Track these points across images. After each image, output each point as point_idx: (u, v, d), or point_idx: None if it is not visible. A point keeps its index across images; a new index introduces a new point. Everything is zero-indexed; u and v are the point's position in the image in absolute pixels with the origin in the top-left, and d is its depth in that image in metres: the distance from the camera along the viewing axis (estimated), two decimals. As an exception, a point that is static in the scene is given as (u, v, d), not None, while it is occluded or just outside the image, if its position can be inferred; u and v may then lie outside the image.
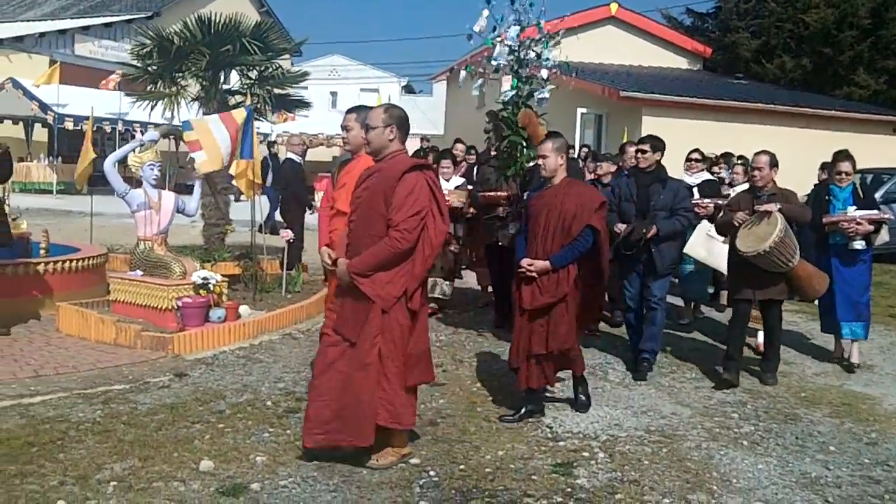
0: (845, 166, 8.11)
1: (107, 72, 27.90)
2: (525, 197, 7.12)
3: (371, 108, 5.59)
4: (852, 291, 8.10)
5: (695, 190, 9.58)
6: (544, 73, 8.80)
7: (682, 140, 12.69)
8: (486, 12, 8.75)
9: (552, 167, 6.32)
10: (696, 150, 10.44)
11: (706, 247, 9.08)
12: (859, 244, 7.97)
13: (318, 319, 9.20)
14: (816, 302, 8.44)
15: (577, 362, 6.44)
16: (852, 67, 25.29)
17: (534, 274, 6.18)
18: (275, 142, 19.74)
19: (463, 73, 9.18)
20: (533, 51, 8.76)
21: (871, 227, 7.93)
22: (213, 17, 12.04)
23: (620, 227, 7.55)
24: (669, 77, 23.24)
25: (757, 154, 7.55)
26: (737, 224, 7.38)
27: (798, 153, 12.62)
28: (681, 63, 26.43)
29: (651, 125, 17.86)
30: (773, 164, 7.45)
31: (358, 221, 5.24)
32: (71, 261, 9.53)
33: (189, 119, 9.63)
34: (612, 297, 9.01)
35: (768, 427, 6.32)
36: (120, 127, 26.69)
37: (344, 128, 6.06)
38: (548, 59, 8.75)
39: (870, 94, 24.60)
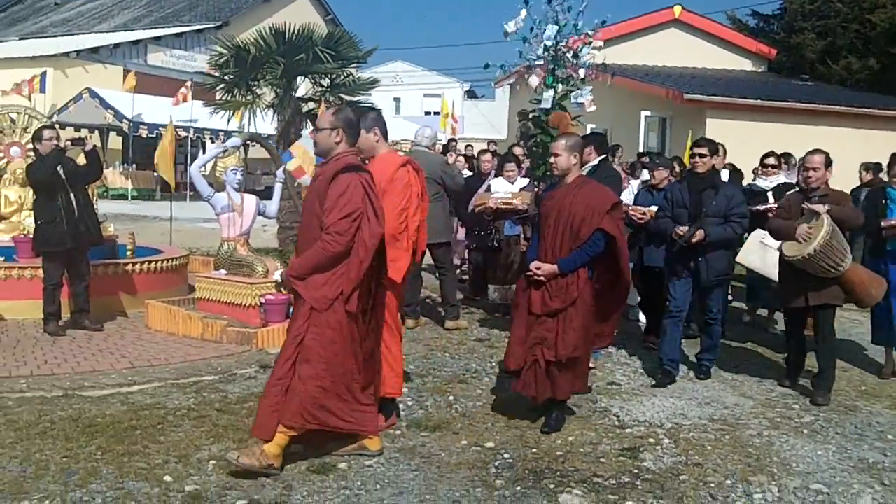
0: None
1: (178, 81, 28.77)
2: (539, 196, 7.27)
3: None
4: None
5: (769, 194, 9.34)
6: (581, 73, 8.78)
7: (747, 142, 12.89)
8: (523, 12, 8.79)
9: (564, 166, 6.10)
10: (771, 154, 10.03)
11: (760, 255, 8.66)
12: None
13: (391, 316, 9.59)
14: (869, 311, 8.11)
15: (579, 379, 6.11)
16: (920, 68, 25.03)
17: (542, 278, 5.99)
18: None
19: (499, 71, 9.37)
20: (571, 49, 8.75)
21: None
22: (286, 27, 12.53)
23: (682, 230, 7.25)
24: (734, 79, 23.23)
25: (811, 153, 7.18)
26: (798, 238, 6.89)
27: (863, 155, 12.65)
28: (745, 65, 26.37)
29: (715, 128, 17.98)
30: (828, 163, 7.17)
31: (302, 225, 5.37)
32: (156, 262, 10.10)
33: (289, 150, 10.10)
34: None
35: (828, 417, 6.54)
36: (191, 135, 27.48)
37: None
38: (585, 59, 8.74)
39: (939, 95, 24.31)
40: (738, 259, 8.64)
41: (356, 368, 5.15)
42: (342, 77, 13.40)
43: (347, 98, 13.37)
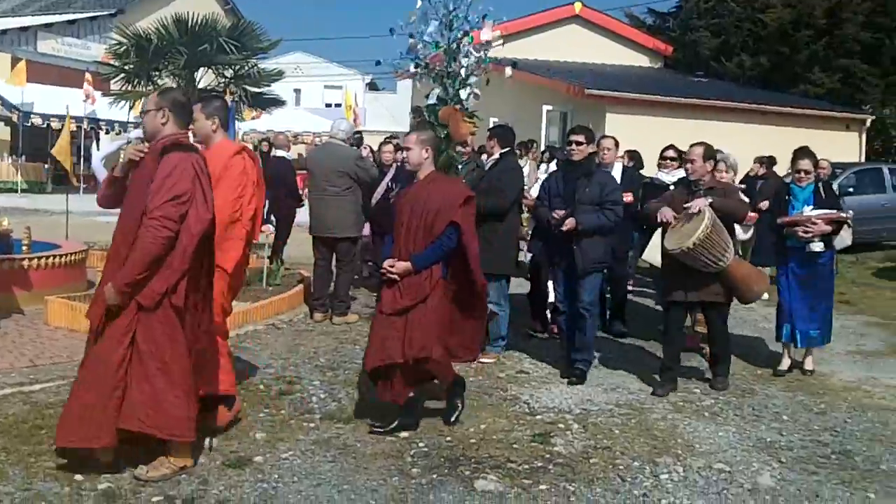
0: (804, 164, 7.62)
1: (71, 70, 27.91)
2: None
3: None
4: (811, 297, 7.62)
5: (671, 188, 8.92)
6: (463, 72, 8.49)
7: (646, 137, 13.22)
8: (419, 2, 8.50)
9: (415, 161, 5.87)
10: (671, 147, 9.67)
11: None
12: (817, 246, 7.45)
13: (299, 310, 9.60)
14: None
15: (442, 372, 5.90)
16: (808, 66, 25.97)
17: (395, 276, 5.72)
18: (267, 139, 20.09)
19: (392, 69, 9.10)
20: (458, 44, 8.42)
21: (828, 228, 7.41)
22: (190, 17, 12.36)
23: (559, 213, 7.13)
24: (632, 75, 23.79)
25: (692, 145, 7.09)
26: (661, 219, 6.96)
27: (757, 149, 13.12)
28: (643, 61, 27.01)
29: (614, 122, 18.42)
30: (709, 156, 7.00)
31: (120, 226, 4.86)
32: (54, 257, 9.79)
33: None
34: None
35: (727, 400, 6.83)
36: (85, 125, 26.74)
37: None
38: (469, 52, 8.41)
39: (825, 92, 25.29)
40: (644, 257, 8.66)
41: (189, 370, 4.78)
42: (246, 68, 13.28)
43: (251, 89, 13.26)
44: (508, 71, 9.15)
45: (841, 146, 19.73)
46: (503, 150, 8.01)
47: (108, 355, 4.65)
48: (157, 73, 12.89)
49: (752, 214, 8.73)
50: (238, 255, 5.63)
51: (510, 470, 5.19)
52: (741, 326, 9.60)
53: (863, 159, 20.92)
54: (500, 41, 8.90)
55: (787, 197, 7.73)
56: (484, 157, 8.72)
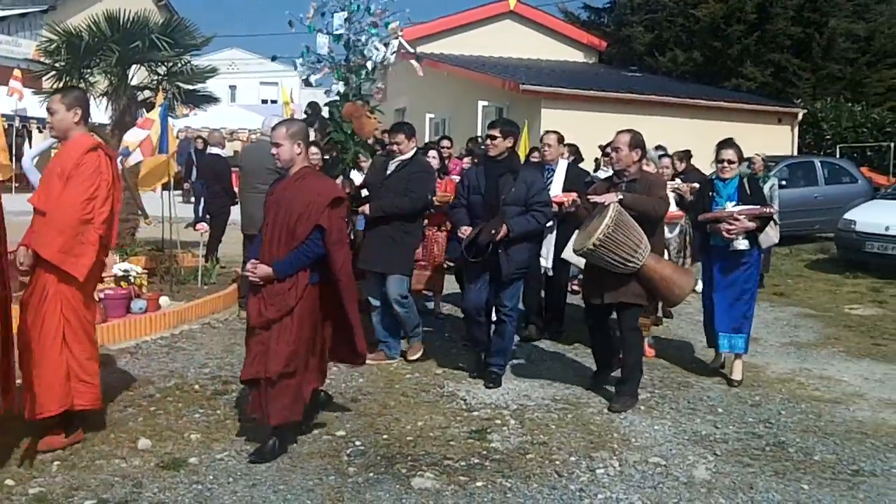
0: (728, 153, 7.23)
1: (1, 67, 27.25)
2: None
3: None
4: (733, 299, 7.23)
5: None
6: (369, 65, 8.16)
7: (582, 132, 13.27)
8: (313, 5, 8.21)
9: (286, 157, 5.37)
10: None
11: None
12: (741, 244, 7.06)
13: (234, 309, 9.47)
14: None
15: (297, 403, 5.32)
16: (740, 60, 26.34)
17: (258, 280, 5.28)
18: (201, 136, 19.86)
19: (299, 67, 8.64)
20: (362, 40, 8.06)
21: (752, 225, 7.01)
22: (121, 14, 12.12)
23: (464, 232, 6.75)
24: (568, 70, 23.91)
25: (618, 133, 6.61)
26: (565, 207, 6.78)
27: (691, 143, 13.24)
28: (578, 56, 27.19)
29: (550, 117, 18.48)
30: (636, 145, 6.46)
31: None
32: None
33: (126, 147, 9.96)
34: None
35: (663, 394, 6.89)
36: (17, 124, 26.10)
37: (49, 111, 5.52)
38: (379, 49, 8.05)
39: (757, 86, 25.69)
40: (563, 256, 7.88)
41: None
42: (179, 65, 13.05)
43: (185, 86, 13.05)
44: (417, 67, 8.87)
45: (773, 140, 20.06)
46: (414, 150, 7.59)
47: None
48: (88, 70, 12.60)
49: (677, 213, 8.28)
50: (91, 261, 5.24)
51: (447, 467, 5.18)
52: (676, 319, 9.73)
53: (795, 153, 21.29)
54: (399, 33, 8.61)
55: (710, 193, 7.34)
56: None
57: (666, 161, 9.31)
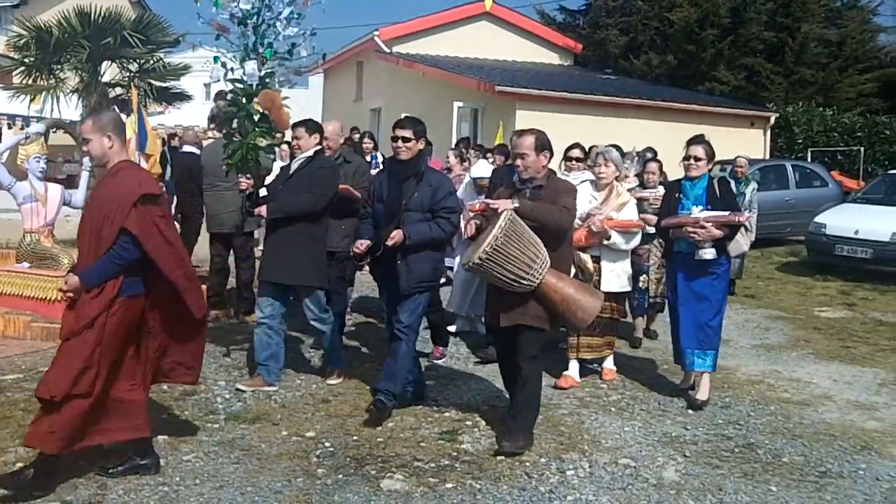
0: (696, 150, 6.65)
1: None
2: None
3: None
4: (699, 312, 6.61)
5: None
6: (284, 47, 7.26)
7: (556, 134, 13.27)
8: None
9: (98, 152, 4.78)
10: (577, 146, 8.10)
11: None
12: (708, 253, 6.43)
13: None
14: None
15: (55, 432, 4.50)
16: (714, 64, 26.53)
17: (70, 295, 4.66)
18: (175, 134, 19.72)
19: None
20: (279, 21, 7.18)
21: (719, 233, 6.38)
22: (92, 10, 12.04)
23: (359, 247, 6.12)
24: (543, 72, 23.94)
25: (520, 135, 5.82)
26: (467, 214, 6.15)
27: (665, 146, 13.30)
28: (553, 58, 27.23)
29: (525, 119, 18.49)
30: (542, 147, 5.70)
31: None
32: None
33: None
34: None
35: (634, 395, 6.90)
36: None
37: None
38: (288, 32, 7.16)
39: (730, 90, 25.88)
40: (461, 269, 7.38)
41: None
42: (151, 62, 12.99)
43: (157, 84, 12.98)
44: (320, 62, 7.77)
45: (746, 143, 20.13)
46: (316, 147, 6.87)
47: None
48: (58, 66, 12.54)
49: (634, 221, 7.21)
50: None
51: (417, 469, 5.15)
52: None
53: (767, 156, 21.44)
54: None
55: (676, 194, 6.76)
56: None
57: (653, 166, 8.72)
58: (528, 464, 5.31)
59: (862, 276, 13.03)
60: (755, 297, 11.80)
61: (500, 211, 5.37)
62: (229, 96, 7.24)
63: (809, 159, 21.35)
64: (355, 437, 5.66)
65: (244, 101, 7.01)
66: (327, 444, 5.52)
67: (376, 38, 24.76)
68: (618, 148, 8.84)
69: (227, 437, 5.59)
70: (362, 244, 6.09)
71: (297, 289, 6.73)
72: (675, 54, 27.04)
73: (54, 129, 12.68)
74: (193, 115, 29.74)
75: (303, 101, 41.61)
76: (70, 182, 9.48)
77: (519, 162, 5.70)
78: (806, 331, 9.71)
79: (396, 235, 5.87)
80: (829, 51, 26.88)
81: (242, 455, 5.30)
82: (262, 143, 7.01)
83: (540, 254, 5.37)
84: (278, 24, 7.16)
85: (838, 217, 14.09)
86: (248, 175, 6.91)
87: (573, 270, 6.18)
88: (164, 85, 13.17)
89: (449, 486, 4.95)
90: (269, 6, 7.07)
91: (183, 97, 14.18)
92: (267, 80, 7.08)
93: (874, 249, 13.00)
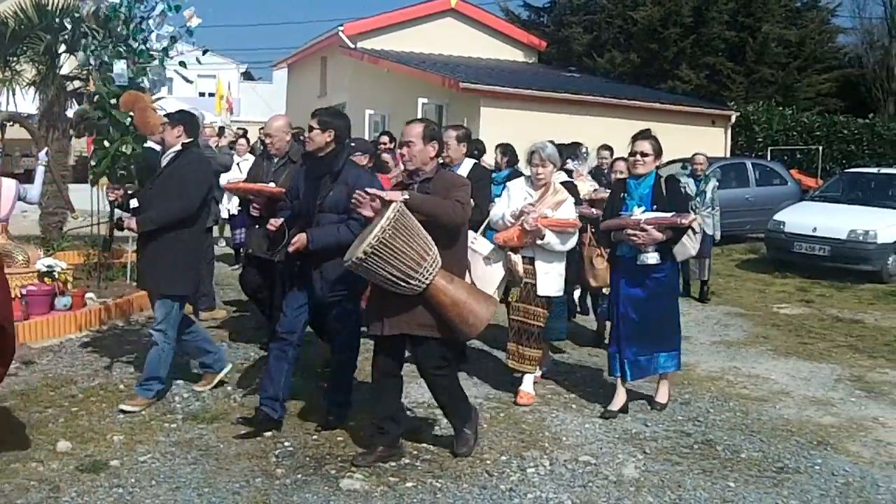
0: (642, 146, 6.19)
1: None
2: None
3: None
4: (643, 322, 6.21)
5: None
6: (158, 45, 7.04)
7: (521, 131, 13.29)
8: None
9: None
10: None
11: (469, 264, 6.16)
12: (651, 257, 6.00)
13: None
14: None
15: None
16: (676, 62, 26.72)
17: None
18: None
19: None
20: (151, 18, 6.95)
21: (661, 236, 5.94)
22: (50, 1, 11.86)
23: (276, 223, 5.70)
24: (507, 69, 23.98)
25: (408, 124, 5.37)
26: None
27: (626, 144, 13.39)
28: (518, 56, 27.29)
29: (489, 116, 18.55)
30: (431, 137, 5.22)
31: None
32: None
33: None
34: None
35: (595, 392, 6.91)
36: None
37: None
38: (162, 29, 6.97)
39: (692, 88, 26.08)
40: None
41: None
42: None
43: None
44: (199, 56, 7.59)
45: (708, 141, 20.30)
46: (187, 141, 6.26)
47: None
48: (14, 58, 12.30)
49: (571, 220, 6.49)
50: None
51: (377, 468, 5.12)
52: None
53: (728, 154, 21.65)
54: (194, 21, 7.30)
55: (621, 194, 6.34)
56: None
57: (621, 165, 8.37)
58: (488, 462, 5.30)
59: (820, 273, 13.17)
60: (715, 293, 11.87)
61: (388, 202, 4.89)
62: (96, 98, 6.80)
63: (769, 158, 21.55)
64: (315, 437, 5.62)
65: (112, 103, 6.60)
66: (287, 444, 5.47)
67: (341, 34, 24.66)
68: (577, 145, 9.01)
69: (185, 437, 5.53)
70: (276, 221, 5.68)
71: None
72: (638, 53, 27.19)
73: (10, 123, 12.45)
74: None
75: (266, 96, 41.70)
76: (28, 177, 9.31)
77: (405, 151, 5.23)
78: (764, 327, 9.79)
79: (298, 240, 5.45)
80: (789, 51, 27.18)
81: (200, 455, 5.24)
82: (129, 150, 6.64)
83: (430, 252, 4.91)
84: (151, 20, 6.88)
85: (797, 215, 14.24)
86: (118, 185, 6.47)
87: (468, 275, 5.62)
88: (123, 79, 12.98)
89: (409, 485, 4.92)
90: (141, 1, 6.76)
91: (143, 90, 14.01)
92: (138, 80, 6.74)
93: (832, 247, 13.14)
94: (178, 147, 6.21)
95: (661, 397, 6.55)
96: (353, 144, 6.94)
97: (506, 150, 9.04)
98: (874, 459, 5.63)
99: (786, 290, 12.50)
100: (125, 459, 5.12)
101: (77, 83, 12.39)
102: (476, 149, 8.83)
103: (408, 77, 21.13)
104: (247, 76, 47.79)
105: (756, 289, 12.57)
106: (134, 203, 6.22)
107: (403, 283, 4.85)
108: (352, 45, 24.48)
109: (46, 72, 12.10)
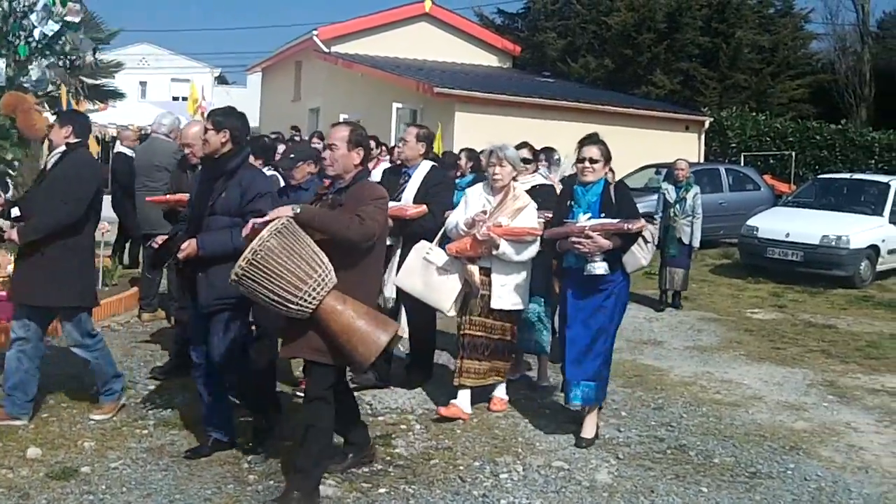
0: (590, 151, 5.77)
1: None
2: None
3: None
4: (586, 336, 5.73)
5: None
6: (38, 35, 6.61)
7: (495, 136, 13.30)
8: None
9: None
10: (525, 145, 7.43)
11: (422, 276, 6.23)
12: (598, 268, 5.54)
13: (135, 311, 9.23)
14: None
15: None
16: (650, 68, 26.83)
17: None
18: (116, 137, 19.38)
19: None
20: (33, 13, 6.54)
21: (607, 243, 5.51)
22: (19, 3, 11.73)
23: (158, 240, 5.39)
24: (482, 74, 24.04)
25: (333, 126, 5.10)
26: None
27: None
28: (492, 60, 27.37)
29: (464, 121, 18.59)
30: (356, 143, 4.82)
31: None
32: None
33: None
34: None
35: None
36: None
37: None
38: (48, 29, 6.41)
39: (665, 94, 26.20)
40: (397, 281, 6.49)
41: None
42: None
43: (89, 81, 12.68)
44: (89, 56, 7.22)
45: (681, 147, 20.38)
46: (73, 142, 5.78)
47: None
48: (-17, 61, 12.20)
49: (529, 228, 6.12)
50: None
51: (349, 474, 5.10)
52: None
53: (702, 159, 21.77)
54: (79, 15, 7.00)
55: (568, 201, 5.87)
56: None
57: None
58: (461, 468, 5.29)
59: (793, 278, 13.26)
60: (688, 298, 11.92)
61: (272, 219, 4.43)
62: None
63: (742, 163, 21.71)
64: (288, 443, 5.57)
65: None
66: (259, 450, 5.43)
67: (315, 38, 24.64)
68: (551, 150, 8.65)
69: (157, 444, 5.48)
70: (159, 238, 5.36)
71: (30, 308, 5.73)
72: (612, 58, 27.28)
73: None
74: (127, 113, 29.22)
75: (240, 100, 41.40)
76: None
77: (326, 154, 4.87)
78: (738, 332, 9.85)
79: (188, 247, 5.05)
80: (762, 57, 27.42)
81: (172, 462, 5.20)
82: (9, 156, 6.29)
83: (316, 272, 4.39)
84: (32, 16, 6.51)
85: (770, 220, 14.33)
86: None
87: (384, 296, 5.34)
88: (95, 82, 12.85)
89: (382, 490, 4.91)
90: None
91: (116, 95, 13.89)
92: (22, 79, 6.33)
93: (804, 252, 13.23)
94: (63, 148, 5.76)
95: (589, 430, 5.87)
96: (292, 156, 6.76)
97: (471, 154, 8.66)
98: (846, 464, 5.68)
99: (759, 295, 12.58)
100: (96, 466, 5.07)
101: (49, 87, 12.30)
102: (448, 161, 8.68)
103: (382, 81, 21.14)
104: (221, 80, 47.63)
105: (729, 294, 12.64)
106: (16, 212, 5.78)
107: (283, 307, 4.42)
108: (326, 50, 24.46)
109: (15, 76, 11.99)
